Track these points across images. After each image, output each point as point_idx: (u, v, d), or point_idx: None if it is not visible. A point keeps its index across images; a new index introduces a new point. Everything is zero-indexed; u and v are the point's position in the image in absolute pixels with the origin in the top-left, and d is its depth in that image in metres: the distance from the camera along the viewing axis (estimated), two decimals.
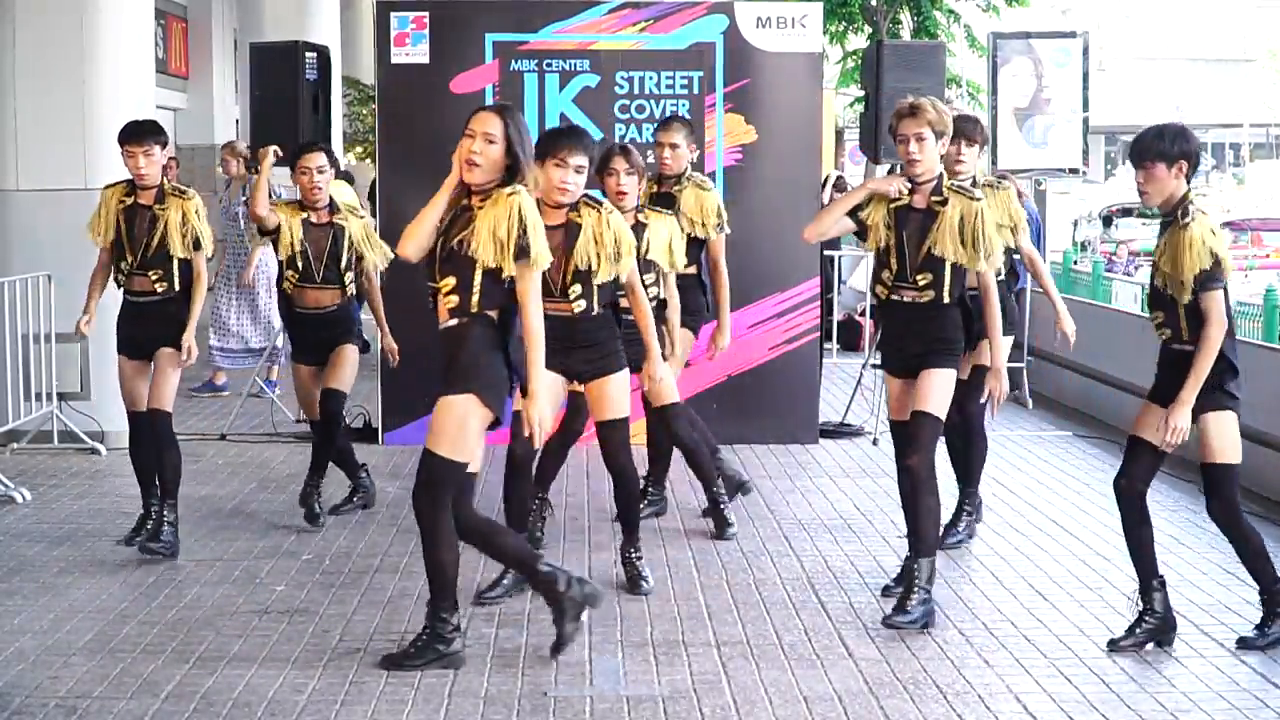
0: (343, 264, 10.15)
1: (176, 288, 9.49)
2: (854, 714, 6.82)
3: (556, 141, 8.15)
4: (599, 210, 8.25)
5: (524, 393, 7.23)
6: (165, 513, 9.38)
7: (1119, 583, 8.71)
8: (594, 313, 8.37)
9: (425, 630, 7.39)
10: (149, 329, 9.50)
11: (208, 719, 6.69)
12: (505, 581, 8.53)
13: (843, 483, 11.52)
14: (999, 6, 32.84)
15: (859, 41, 33.99)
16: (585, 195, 8.27)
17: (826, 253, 16.66)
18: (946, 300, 8.17)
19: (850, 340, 19.12)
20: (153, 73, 13.87)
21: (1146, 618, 7.78)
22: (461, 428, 7.11)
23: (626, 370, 8.61)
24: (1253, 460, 11.30)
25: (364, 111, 26.21)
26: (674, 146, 10.06)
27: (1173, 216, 7.52)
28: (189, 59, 27.17)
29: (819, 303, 13.23)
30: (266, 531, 8.61)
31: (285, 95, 12.62)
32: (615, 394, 8.52)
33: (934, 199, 8.14)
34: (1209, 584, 8.93)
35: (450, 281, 7.13)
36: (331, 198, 10.25)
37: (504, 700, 6.94)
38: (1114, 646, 7.76)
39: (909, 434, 8.17)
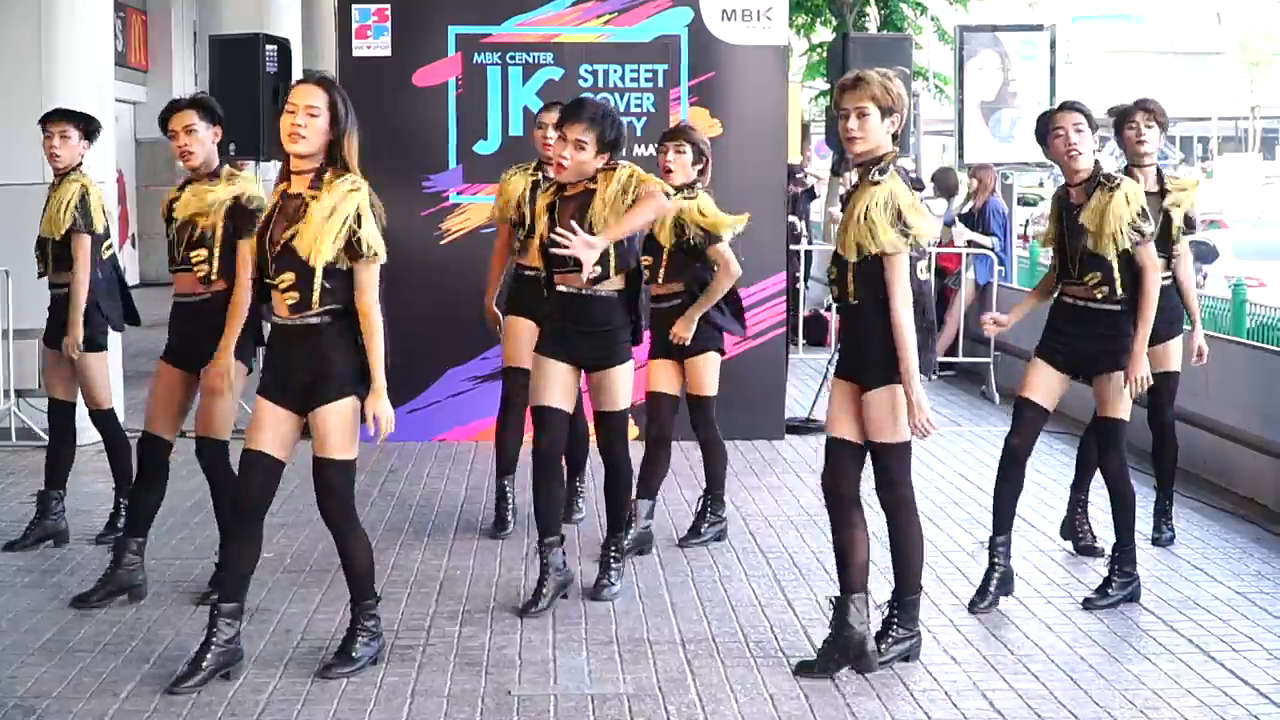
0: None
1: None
2: (821, 713, 6.83)
3: (565, 111, 8.32)
4: (613, 171, 8.23)
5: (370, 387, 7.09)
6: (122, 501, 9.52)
7: (1088, 580, 8.73)
8: (609, 278, 8.22)
9: (357, 629, 7.33)
10: (57, 318, 9.48)
11: (168, 719, 6.67)
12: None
13: (809, 479, 11.52)
14: None
15: (825, 34, 34.08)
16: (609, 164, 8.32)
17: (794, 247, 16.69)
18: (854, 301, 7.23)
19: (816, 336, 19.15)
20: (112, 66, 13.83)
21: (997, 569, 8.43)
22: (352, 430, 7.11)
23: (631, 363, 8.46)
24: (1229, 457, 11.39)
25: None
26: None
27: (1097, 181, 8.36)
28: (149, 52, 27.16)
29: (784, 298, 13.25)
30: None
31: (245, 89, 12.61)
32: (618, 385, 8.38)
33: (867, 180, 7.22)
34: (1179, 580, 8.96)
35: (288, 277, 6.98)
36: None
37: (467, 699, 6.93)
38: (973, 609, 8.36)
39: (878, 466, 7.33)
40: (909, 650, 7.44)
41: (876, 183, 7.13)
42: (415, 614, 8.22)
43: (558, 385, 8.36)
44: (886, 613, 7.49)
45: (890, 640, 7.39)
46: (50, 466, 9.62)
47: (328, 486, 7.14)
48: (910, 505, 7.40)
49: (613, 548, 8.67)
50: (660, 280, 9.44)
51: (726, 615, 8.26)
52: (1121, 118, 9.58)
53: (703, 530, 9.74)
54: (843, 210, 7.35)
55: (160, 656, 7.47)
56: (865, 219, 7.06)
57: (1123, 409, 8.45)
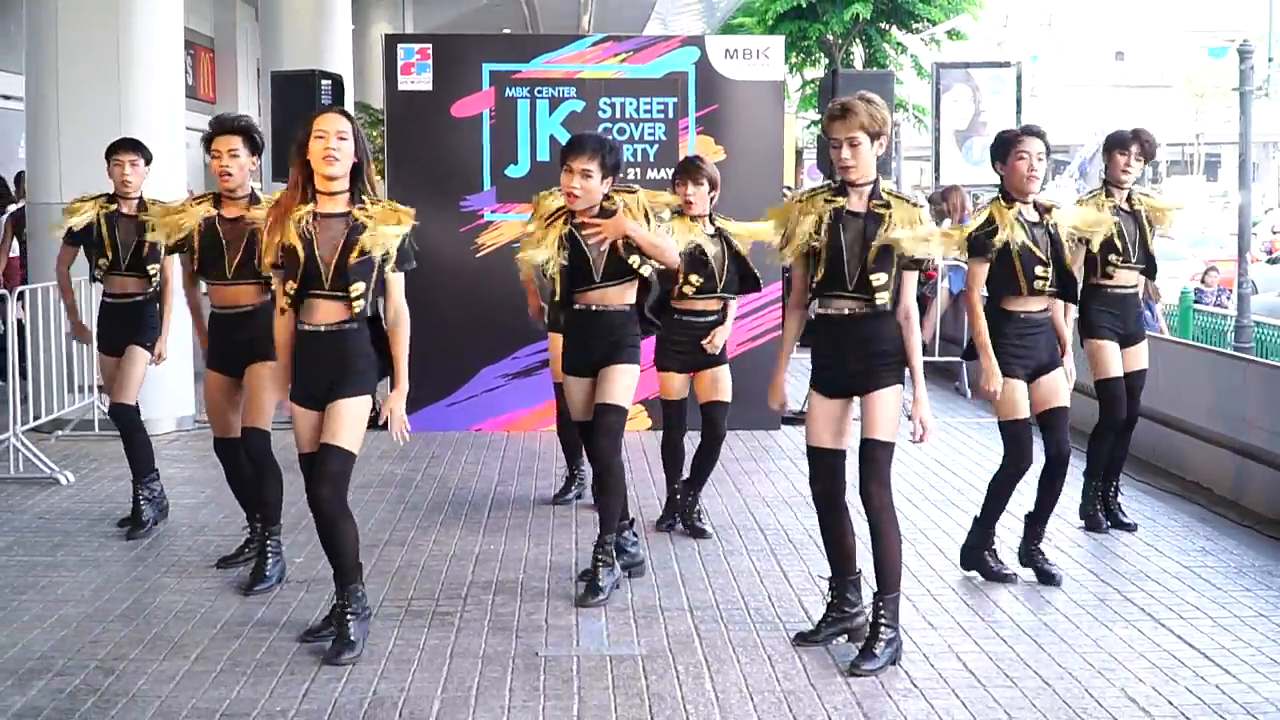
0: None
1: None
2: (811, 670, 6.82)
3: (567, 148, 7.87)
4: (625, 196, 7.90)
5: (393, 385, 7.00)
6: (140, 491, 9.44)
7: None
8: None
9: (346, 612, 7.02)
10: (123, 326, 9.40)
11: (233, 678, 6.68)
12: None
13: (801, 463, 11.43)
14: (940, 40, 32.96)
15: (816, 71, 34.08)
16: (626, 187, 8.04)
17: None
18: (889, 308, 6.87)
19: (806, 339, 19.11)
20: (183, 97, 13.84)
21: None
22: (361, 425, 6.93)
23: (635, 367, 7.95)
24: (1177, 447, 11.36)
25: (374, 133, 26.16)
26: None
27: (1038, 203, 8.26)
28: (216, 85, 27.18)
29: (780, 305, 13.23)
30: (285, 509, 8.61)
31: (303, 118, 12.58)
32: (617, 380, 7.89)
33: (874, 203, 6.87)
34: (1131, 555, 8.95)
35: (359, 287, 6.81)
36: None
37: (500, 660, 6.93)
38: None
39: (865, 461, 6.89)
40: (895, 653, 6.91)
41: (919, 204, 6.92)
42: (453, 584, 8.22)
43: (586, 401, 8.03)
44: (872, 615, 6.97)
45: (882, 644, 6.87)
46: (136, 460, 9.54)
47: (329, 473, 6.83)
48: (892, 508, 6.95)
49: (600, 551, 8.01)
50: (717, 293, 9.23)
51: (729, 585, 8.25)
52: (1120, 144, 9.40)
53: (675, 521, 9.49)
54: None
55: (226, 622, 7.48)
56: (926, 232, 6.81)
57: (1063, 397, 8.37)
